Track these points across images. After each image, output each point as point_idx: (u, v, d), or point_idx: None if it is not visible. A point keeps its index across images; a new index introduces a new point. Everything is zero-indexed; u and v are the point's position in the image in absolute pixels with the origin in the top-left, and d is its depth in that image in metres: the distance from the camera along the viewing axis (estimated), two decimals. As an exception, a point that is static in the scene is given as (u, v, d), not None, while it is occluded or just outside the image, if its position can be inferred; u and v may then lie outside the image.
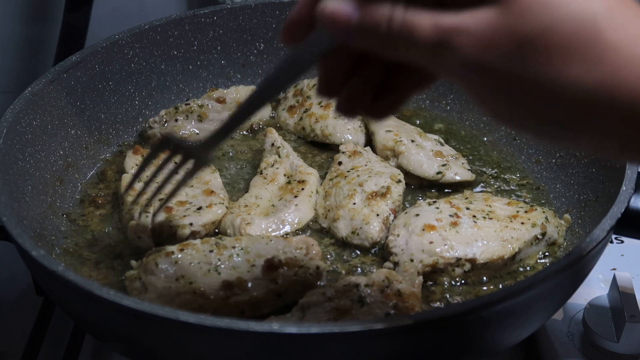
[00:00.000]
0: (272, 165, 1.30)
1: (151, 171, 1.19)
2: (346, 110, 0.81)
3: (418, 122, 1.46)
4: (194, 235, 1.16)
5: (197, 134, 1.40)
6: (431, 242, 1.11)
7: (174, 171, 1.02)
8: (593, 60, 0.64)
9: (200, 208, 1.19)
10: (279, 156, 1.32)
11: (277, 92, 0.85)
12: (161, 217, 1.17)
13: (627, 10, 0.66)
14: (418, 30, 0.68)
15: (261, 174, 1.29)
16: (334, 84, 0.81)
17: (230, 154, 1.39)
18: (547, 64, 0.65)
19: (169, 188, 1.04)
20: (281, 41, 0.80)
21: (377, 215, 1.18)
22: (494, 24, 0.66)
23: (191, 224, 1.16)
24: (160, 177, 1.05)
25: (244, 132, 1.44)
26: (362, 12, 0.70)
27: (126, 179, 1.25)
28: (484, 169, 1.35)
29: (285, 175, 1.28)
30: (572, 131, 0.69)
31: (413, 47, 0.69)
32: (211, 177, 1.27)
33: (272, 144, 1.35)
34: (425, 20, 0.68)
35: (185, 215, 1.17)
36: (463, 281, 1.11)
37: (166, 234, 1.16)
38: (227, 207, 1.21)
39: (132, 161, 1.30)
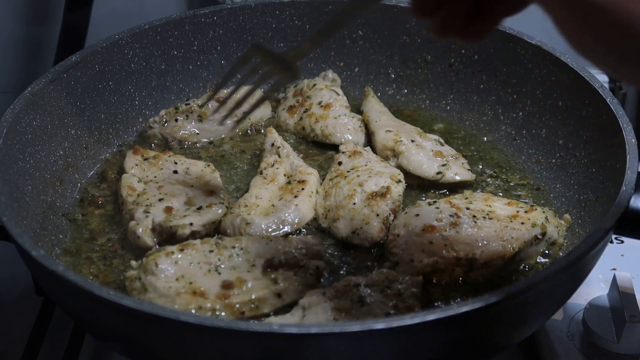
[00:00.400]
0: (272, 165, 1.30)
1: (152, 172, 1.19)
2: (441, 31, 0.87)
3: (418, 122, 1.46)
4: (194, 235, 1.16)
5: (197, 133, 1.40)
6: (431, 242, 1.11)
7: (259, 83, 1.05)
8: None
9: (200, 208, 1.19)
10: (279, 156, 1.32)
11: (360, 10, 0.92)
12: (161, 217, 1.17)
13: None
14: None
15: (261, 174, 1.29)
16: (428, 3, 0.85)
17: (231, 154, 1.39)
18: None
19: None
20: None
21: (377, 215, 1.18)
22: None
23: (191, 224, 1.16)
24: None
25: (248, 131, 1.44)
26: None
27: (126, 179, 1.25)
28: (484, 169, 1.35)
29: (285, 175, 1.28)
30: (634, 61, 0.71)
31: None
32: (211, 177, 1.27)
33: (272, 144, 1.35)
34: None
35: (185, 215, 1.17)
36: (463, 281, 1.11)
37: (166, 234, 1.16)
38: (227, 207, 1.21)
39: (132, 161, 1.30)
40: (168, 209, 1.18)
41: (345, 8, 0.94)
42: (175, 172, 1.28)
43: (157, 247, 1.15)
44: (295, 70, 1.03)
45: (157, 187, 1.24)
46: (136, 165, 1.29)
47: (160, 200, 1.21)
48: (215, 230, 1.20)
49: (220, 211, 1.19)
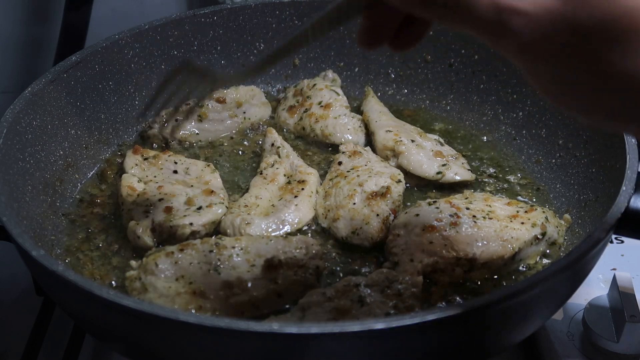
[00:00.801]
0: (272, 166, 1.30)
1: (152, 172, 1.19)
2: (370, 38, 0.83)
3: (418, 122, 1.46)
4: (194, 235, 1.16)
5: (197, 134, 1.40)
6: (431, 242, 1.11)
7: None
8: None
9: (200, 208, 1.19)
10: (279, 156, 1.32)
11: (320, 34, 0.87)
12: (161, 217, 1.17)
13: None
14: (476, 4, 0.68)
15: (261, 174, 1.29)
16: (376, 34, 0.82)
17: (230, 154, 1.39)
18: (606, 55, 0.66)
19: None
20: None
21: (377, 215, 1.18)
22: (554, 12, 0.66)
23: (191, 224, 1.16)
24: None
25: (247, 131, 1.44)
26: None
27: (126, 179, 1.25)
28: (484, 169, 1.35)
29: (285, 175, 1.28)
30: (621, 119, 0.71)
31: (471, 21, 0.70)
32: (211, 177, 1.27)
33: (272, 144, 1.35)
34: None
35: (185, 215, 1.17)
36: (463, 281, 1.11)
37: (166, 234, 1.16)
38: (227, 207, 1.21)
39: (132, 161, 1.30)
40: (168, 209, 1.18)
41: (288, 44, 0.91)
42: (175, 172, 1.28)
43: (157, 247, 1.15)
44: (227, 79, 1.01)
45: (157, 187, 1.24)
46: (136, 165, 1.29)
47: (160, 200, 1.21)
48: (215, 230, 1.20)
49: (220, 211, 1.19)
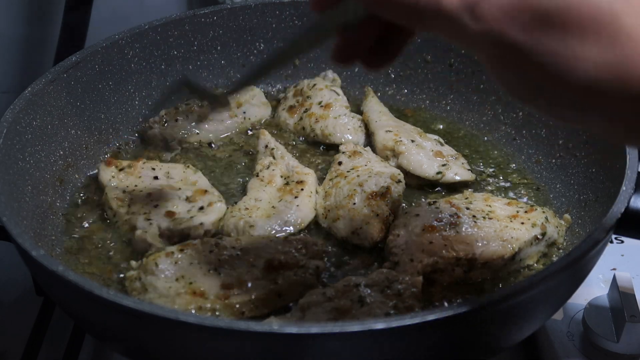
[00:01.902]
0: (268, 167, 1.29)
1: (131, 181, 1.19)
2: (344, 54, 0.84)
3: (418, 122, 1.46)
4: (206, 234, 1.17)
5: (197, 133, 1.40)
6: (431, 242, 1.11)
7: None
8: (606, 43, 0.65)
9: (202, 208, 1.19)
10: (274, 158, 1.32)
11: (293, 57, 0.88)
12: (165, 222, 1.17)
13: None
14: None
15: (257, 176, 1.29)
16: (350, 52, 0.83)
17: (231, 153, 1.38)
18: (562, 41, 0.66)
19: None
20: (311, 8, 0.82)
21: (377, 215, 1.18)
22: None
23: (202, 224, 1.16)
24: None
25: (248, 131, 1.44)
26: None
27: (111, 191, 1.23)
28: (484, 169, 1.35)
29: (282, 176, 1.28)
30: (580, 112, 0.70)
31: (438, 18, 0.71)
32: (196, 177, 1.27)
33: (266, 146, 1.35)
34: None
35: (191, 217, 1.17)
36: (463, 281, 1.11)
37: (177, 237, 1.16)
38: (225, 204, 1.22)
39: (108, 174, 1.27)
40: (170, 213, 1.18)
41: (266, 64, 0.93)
42: (156, 177, 1.26)
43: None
44: (225, 101, 1.04)
45: (143, 195, 1.22)
46: (112, 177, 1.27)
47: (155, 206, 1.20)
48: (218, 231, 1.20)
49: (222, 207, 1.20)
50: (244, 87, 0.97)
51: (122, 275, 1.12)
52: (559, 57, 0.66)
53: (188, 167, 1.30)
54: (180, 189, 1.24)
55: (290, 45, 0.87)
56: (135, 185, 1.25)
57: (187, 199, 1.21)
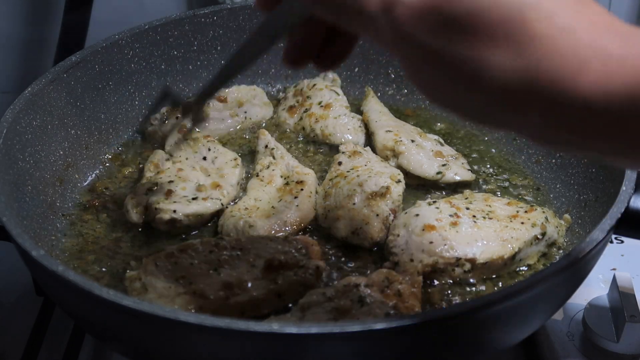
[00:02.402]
0: (268, 167, 1.29)
1: (186, 153, 1.24)
2: (293, 58, 0.86)
3: (418, 122, 1.46)
4: (174, 222, 1.17)
5: (198, 131, 1.40)
6: (431, 242, 1.11)
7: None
8: (516, 50, 0.64)
9: (195, 198, 1.20)
10: (274, 157, 1.32)
11: (250, 61, 0.90)
12: (156, 198, 1.19)
13: (557, 1, 0.65)
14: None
15: (257, 176, 1.29)
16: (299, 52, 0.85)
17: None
18: (470, 47, 0.65)
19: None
20: (255, 7, 0.85)
21: (377, 215, 1.18)
22: (429, 3, 0.67)
23: (174, 211, 1.17)
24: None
25: (249, 131, 1.44)
26: None
27: (156, 155, 1.30)
28: (484, 169, 1.35)
29: (282, 176, 1.28)
30: (492, 117, 0.70)
31: (360, 18, 0.71)
32: (229, 172, 1.28)
33: (266, 146, 1.35)
34: None
35: (175, 202, 1.19)
36: (463, 281, 1.11)
37: (152, 215, 1.18)
38: (222, 205, 1.22)
39: (174, 138, 1.33)
40: (169, 192, 1.20)
41: (223, 72, 0.95)
42: (205, 158, 1.30)
43: (143, 225, 1.20)
44: (201, 116, 1.05)
45: (177, 168, 1.26)
46: (175, 143, 1.32)
47: (170, 182, 1.22)
48: (216, 231, 1.20)
49: (209, 205, 1.20)
50: (207, 98, 1.00)
51: (122, 276, 1.12)
52: (468, 62, 0.66)
53: (235, 159, 1.31)
54: (209, 175, 1.26)
55: (242, 49, 0.89)
56: (186, 158, 1.28)
57: (198, 187, 1.22)
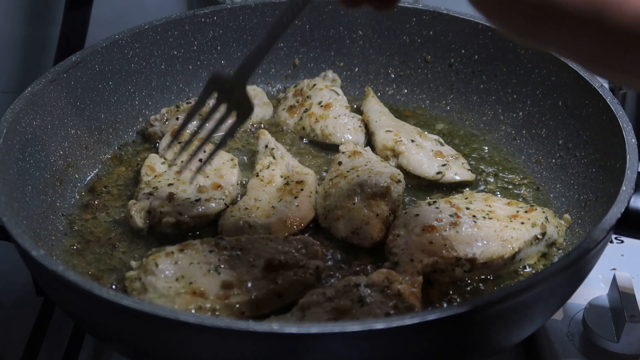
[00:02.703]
0: (268, 167, 1.29)
1: (180, 156, 1.23)
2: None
3: (418, 122, 1.46)
4: (179, 225, 1.17)
5: (198, 132, 1.40)
6: (431, 242, 1.11)
7: (220, 123, 1.08)
8: None
9: (198, 200, 1.20)
10: (274, 157, 1.32)
11: (297, 14, 0.94)
12: (159, 201, 1.19)
13: None
14: None
15: (257, 176, 1.28)
16: None
17: (231, 153, 1.38)
18: None
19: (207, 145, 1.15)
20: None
21: (377, 215, 1.18)
22: None
23: (180, 214, 1.17)
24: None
25: (247, 131, 1.44)
26: None
27: (151, 158, 1.30)
28: (484, 169, 1.35)
29: (282, 176, 1.28)
30: (537, 32, 0.73)
31: None
32: (228, 172, 1.28)
33: (266, 146, 1.35)
34: None
35: (179, 204, 1.19)
36: (463, 281, 1.11)
37: (157, 219, 1.18)
38: (226, 204, 1.22)
39: (167, 142, 1.33)
40: (171, 195, 1.20)
41: (273, 30, 0.98)
42: (201, 160, 1.28)
43: (147, 229, 1.19)
44: (250, 104, 1.06)
45: (174, 171, 1.26)
46: (169, 146, 1.32)
47: (169, 185, 1.22)
48: (216, 231, 1.20)
49: (214, 206, 1.20)
50: (251, 72, 1.02)
51: (122, 276, 1.12)
52: None
53: (232, 159, 1.31)
54: (208, 176, 1.26)
55: (280, 16, 0.93)
56: (182, 161, 1.28)
57: (200, 188, 1.22)
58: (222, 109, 1.06)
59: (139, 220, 1.19)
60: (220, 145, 1.10)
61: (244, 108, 1.05)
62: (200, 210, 1.19)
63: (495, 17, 0.75)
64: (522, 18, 0.72)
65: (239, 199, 1.26)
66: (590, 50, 0.72)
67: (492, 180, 1.33)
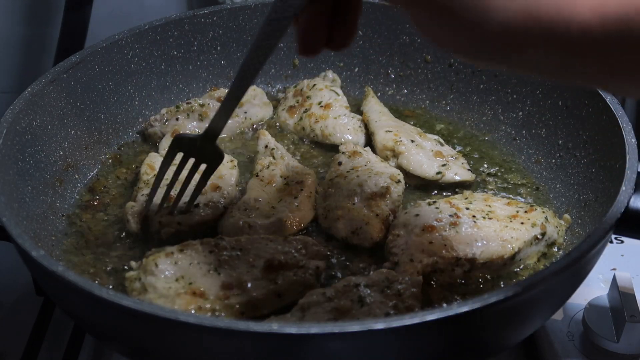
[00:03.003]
0: (268, 167, 1.29)
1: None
2: (308, 45, 0.91)
3: (418, 122, 1.46)
4: (179, 234, 1.17)
5: (198, 132, 1.40)
6: (431, 242, 1.11)
7: (192, 173, 1.14)
8: None
9: (197, 205, 1.19)
10: (274, 158, 1.32)
11: (266, 55, 0.95)
12: (156, 207, 1.18)
13: None
14: None
15: (257, 176, 1.28)
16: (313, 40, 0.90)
17: (231, 153, 1.38)
18: None
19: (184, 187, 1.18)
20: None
21: (377, 215, 1.18)
22: None
23: (179, 224, 1.16)
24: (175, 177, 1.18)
25: (249, 130, 1.44)
26: None
27: (151, 157, 1.30)
28: (484, 169, 1.35)
29: (282, 176, 1.28)
30: (501, 56, 0.73)
31: None
32: (227, 173, 1.27)
33: (266, 146, 1.34)
34: None
35: (176, 213, 1.18)
36: (463, 281, 1.11)
37: (156, 228, 1.17)
38: (224, 208, 1.21)
39: (167, 143, 1.32)
40: (169, 199, 1.19)
41: (239, 80, 1.00)
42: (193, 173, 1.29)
43: (142, 234, 1.19)
44: (219, 151, 1.12)
45: (173, 172, 1.25)
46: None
47: (168, 185, 1.21)
48: (216, 231, 1.20)
49: (211, 212, 1.20)
50: (223, 126, 1.07)
51: (122, 276, 1.12)
52: (471, 6, 0.69)
53: (232, 161, 1.31)
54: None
55: (254, 48, 0.94)
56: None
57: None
58: (189, 164, 1.14)
59: (133, 224, 1.18)
60: (197, 193, 1.17)
61: (214, 159, 1.12)
62: (198, 218, 1.19)
63: (449, 47, 0.76)
64: (483, 49, 0.73)
65: (238, 199, 1.26)
66: (553, 66, 0.72)
67: (491, 180, 1.33)
